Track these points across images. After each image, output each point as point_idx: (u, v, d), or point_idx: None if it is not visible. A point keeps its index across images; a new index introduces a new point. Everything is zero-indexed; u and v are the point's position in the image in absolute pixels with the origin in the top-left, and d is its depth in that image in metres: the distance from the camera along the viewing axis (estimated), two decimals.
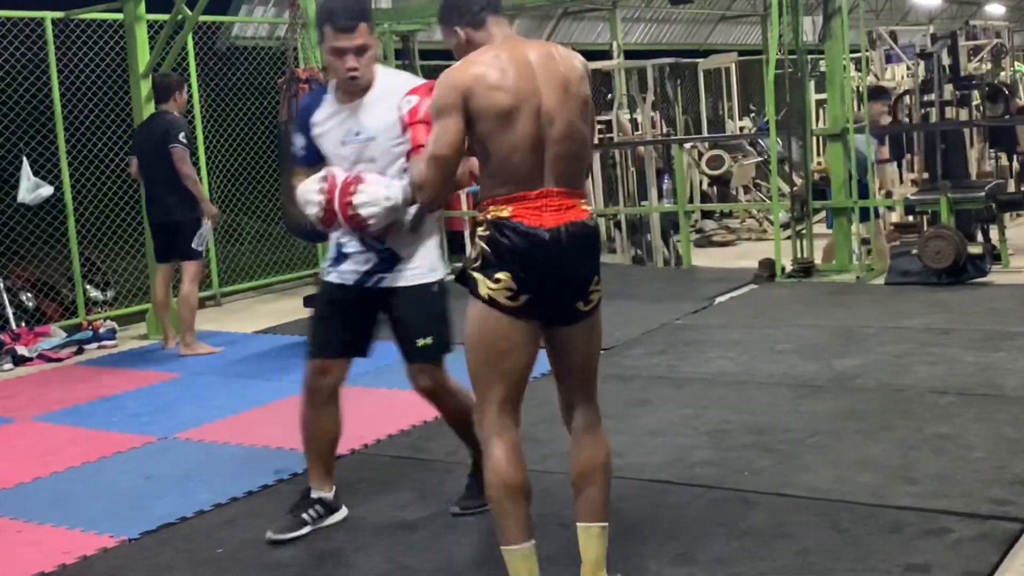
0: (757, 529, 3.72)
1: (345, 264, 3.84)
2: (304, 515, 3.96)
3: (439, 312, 3.85)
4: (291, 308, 8.81)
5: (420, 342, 3.81)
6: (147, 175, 7.44)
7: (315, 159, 3.85)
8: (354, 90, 3.74)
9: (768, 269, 8.64)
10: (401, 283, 3.81)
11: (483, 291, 3.08)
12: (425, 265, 3.82)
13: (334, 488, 4.04)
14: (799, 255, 8.77)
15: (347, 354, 3.91)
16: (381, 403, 5.70)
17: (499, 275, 3.05)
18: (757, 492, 4.05)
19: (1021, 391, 5.15)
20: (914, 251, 8.03)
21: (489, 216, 3.07)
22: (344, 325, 3.88)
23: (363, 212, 3.63)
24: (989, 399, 5.06)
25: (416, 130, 3.52)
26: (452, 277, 3.47)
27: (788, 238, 8.83)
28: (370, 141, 3.74)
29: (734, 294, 8.25)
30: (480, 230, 3.11)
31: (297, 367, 6.70)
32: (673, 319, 7.31)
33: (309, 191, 3.71)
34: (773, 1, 8.72)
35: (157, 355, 7.53)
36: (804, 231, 8.85)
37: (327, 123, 3.82)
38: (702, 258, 10.22)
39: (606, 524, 3.22)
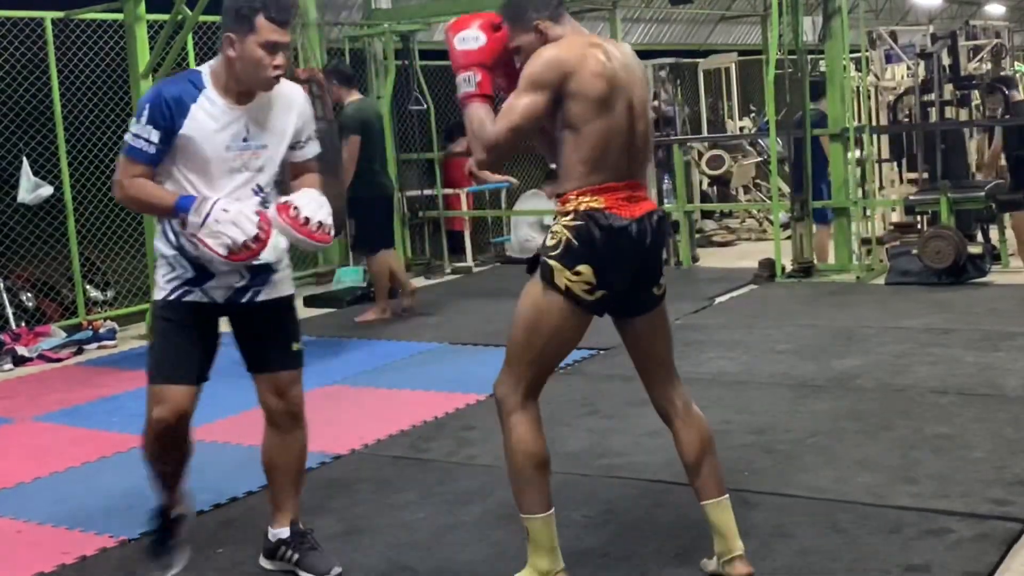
0: (757, 529, 3.72)
1: (212, 281, 3.43)
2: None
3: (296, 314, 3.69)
4: None
5: (295, 346, 3.60)
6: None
7: (161, 160, 3.34)
8: (260, 91, 3.38)
9: (768, 269, 8.65)
10: (277, 294, 3.53)
11: (560, 281, 3.07)
12: (288, 270, 3.60)
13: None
14: (799, 255, 8.77)
15: (201, 380, 3.57)
16: (381, 403, 5.71)
17: (580, 267, 3.06)
18: (757, 492, 4.06)
19: (1021, 391, 5.15)
20: (914, 251, 8.03)
21: (581, 207, 3.06)
22: (201, 348, 3.56)
23: (328, 222, 3.40)
24: (989, 399, 5.06)
25: (482, 74, 3.19)
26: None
27: (788, 238, 8.83)
28: (261, 149, 3.41)
29: (734, 294, 8.25)
30: (567, 219, 3.08)
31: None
32: (673, 319, 7.26)
33: (241, 216, 3.26)
34: (773, 1, 8.72)
35: None
36: (804, 231, 8.85)
37: (207, 123, 3.33)
38: (702, 258, 10.22)
39: (728, 494, 3.32)
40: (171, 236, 3.42)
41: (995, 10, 21.24)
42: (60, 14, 8.52)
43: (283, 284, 3.55)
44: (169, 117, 3.29)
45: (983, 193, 8.33)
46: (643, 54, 13.50)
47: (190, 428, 3.56)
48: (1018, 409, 4.88)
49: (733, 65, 13.96)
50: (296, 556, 3.62)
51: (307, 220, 3.34)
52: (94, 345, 7.89)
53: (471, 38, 3.15)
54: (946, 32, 10.72)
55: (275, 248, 3.39)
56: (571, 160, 3.09)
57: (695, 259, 10.06)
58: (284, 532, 3.65)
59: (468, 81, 3.15)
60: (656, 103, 10.81)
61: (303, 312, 8.39)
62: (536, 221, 10.76)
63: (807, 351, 6.18)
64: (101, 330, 8.05)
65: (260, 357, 3.60)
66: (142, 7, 8.07)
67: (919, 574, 3.31)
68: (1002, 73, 10.93)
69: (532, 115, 3.04)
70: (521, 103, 3.04)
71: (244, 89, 3.36)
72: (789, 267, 8.70)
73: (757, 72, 15.71)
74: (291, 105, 3.47)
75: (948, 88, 9.71)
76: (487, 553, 3.71)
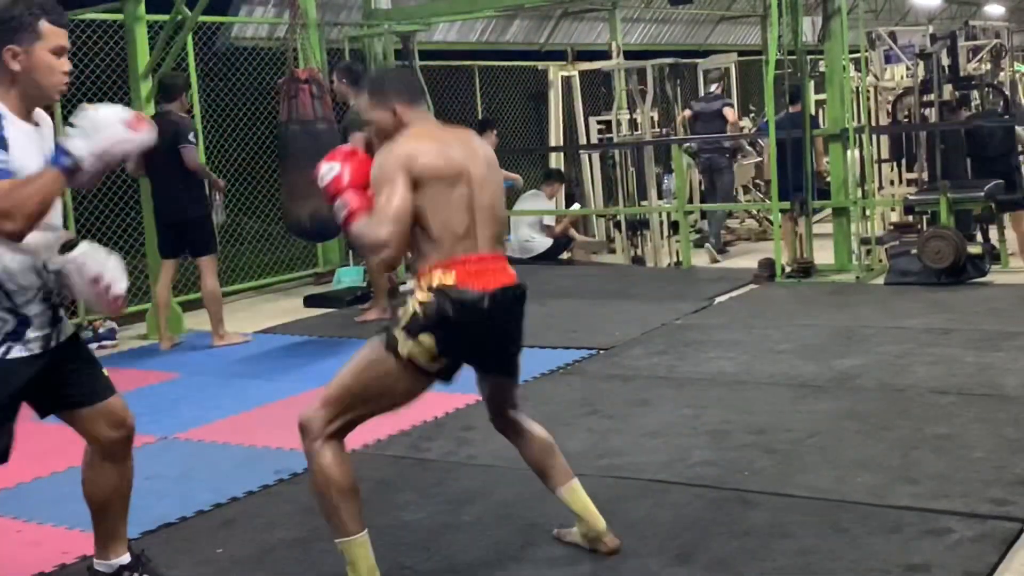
0: (757, 529, 3.72)
1: (30, 331, 3.16)
2: None
3: None
4: (291, 308, 8.82)
5: (105, 371, 3.45)
6: (157, 175, 7.51)
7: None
8: (50, 100, 3.18)
9: (768, 269, 8.65)
10: (68, 331, 3.33)
11: (403, 350, 3.22)
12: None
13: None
14: (799, 255, 8.77)
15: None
16: None
17: (423, 337, 3.19)
18: (757, 492, 4.05)
19: (1021, 391, 5.15)
20: (914, 251, 8.03)
21: (434, 283, 3.20)
22: (14, 415, 3.31)
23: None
24: (989, 399, 5.06)
25: (350, 195, 3.26)
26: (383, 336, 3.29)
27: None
28: None
29: (734, 294, 8.25)
30: (421, 295, 3.21)
31: (297, 366, 6.74)
32: (673, 319, 7.31)
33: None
34: (773, 1, 8.72)
35: (157, 355, 7.54)
36: (804, 231, 8.85)
37: (27, 148, 3.02)
38: (702, 258, 10.23)
39: (576, 478, 3.63)
40: None
41: (995, 10, 21.24)
42: None
43: (67, 320, 3.38)
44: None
45: (983, 193, 8.32)
46: (643, 54, 13.47)
47: None
48: (1018, 409, 4.87)
49: (733, 65, 13.95)
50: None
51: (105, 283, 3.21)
52: (94, 345, 7.88)
53: (327, 172, 3.30)
54: (946, 32, 10.73)
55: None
56: (422, 240, 3.24)
57: (722, 250, 10.19)
58: (125, 558, 3.53)
59: (340, 207, 3.27)
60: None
61: (303, 312, 8.39)
62: (536, 221, 10.76)
63: (807, 351, 6.18)
64: (101, 330, 8.05)
65: (88, 390, 3.42)
66: (142, 7, 8.08)
67: (919, 574, 3.31)
68: (1001, 75, 10.94)
69: (403, 200, 3.16)
70: (388, 196, 3.16)
71: (31, 107, 3.09)
72: (789, 267, 8.70)
73: (757, 72, 15.72)
74: (49, 124, 3.24)
75: (948, 88, 9.72)
76: (487, 553, 3.71)
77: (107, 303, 3.20)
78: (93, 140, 2.94)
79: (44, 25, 3.06)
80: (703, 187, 11.46)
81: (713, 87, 12.15)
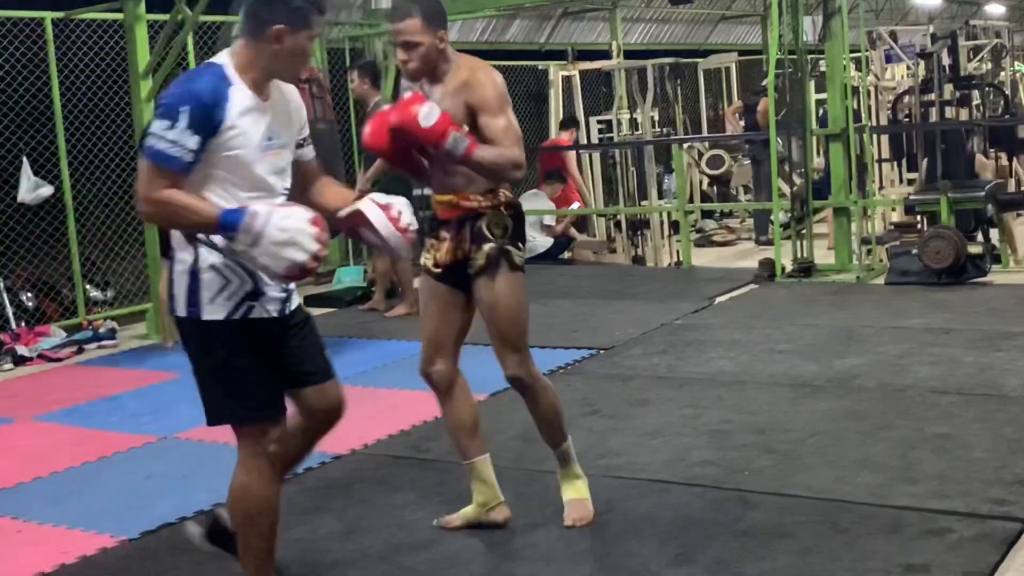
0: (757, 529, 3.72)
1: (269, 292, 3.11)
2: None
3: None
4: None
5: (327, 353, 3.34)
6: None
7: (194, 168, 2.97)
8: (288, 83, 3.20)
9: (768, 269, 8.65)
10: (297, 301, 3.26)
11: (519, 260, 3.69)
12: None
13: None
14: (799, 255, 8.77)
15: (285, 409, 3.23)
16: (381, 403, 5.70)
17: (519, 244, 3.69)
18: (757, 492, 4.05)
19: (1021, 391, 5.15)
20: (914, 251, 8.03)
21: (503, 199, 3.65)
22: (272, 371, 3.16)
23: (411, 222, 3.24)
24: (989, 399, 5.06)
25: (459, 129, 3.47)
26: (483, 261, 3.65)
27: (788, 238, 8.83)
28: (283, 148, 3.15)
29: (734, 294, 8.25)
30: (502, 210, 3.64)
31: None
32: (673, 319, 7.30)
33: (300, 233, 2.91)
34: (773, 1, 8.72)
35: (157, 355, 7.53)
36: (804, 231, 8.85)
37: (243, 121, 3.02)
38: (702, 258, 10.23)
39: (488, 453, 3.92)
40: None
41: (995, 10, 21.25)
42: (60, 14, 8.52)
43: (296, 294, 3.27)
44: (207, 117, 2.94)
45: (983, 193, 8.32)
46: (643, 54, 13.47)
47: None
48: (1018, 409, 4.87)
49: (733, 65, 13.96)
50: None
51: (405, 222, 3.19)
52: (94, 345, 7.90)
53: (430, 111, 3.45)
54: (946, 32, 10.73)
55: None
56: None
57: (764, 238, 10.33)
58: None
59: (459, 139, 3.47)
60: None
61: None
62: (536, 221, 10.76)
63: (807, 351, 6.17)
64: (101, 330, 8.05)
65: (299, 369, 3.24)
66: (142, 7, 8.07)
67: (919, 574, 3.31)
68: (1001, 75, 10.95)
69: (517, 126, 3.61)
70: (512, 121, 3.59)
71: (267, 81, 3.09)
72: (789, 267, 8.70)
73: (757, 72, 15.71)
74: (295, 101, 3.25)
75: (948, 88, 9.72)
76: (487, 553, 3.71)
77: (401, 231, 3.17)
78: (260, 248, 2.90)
79: (314, 15, 3.08)
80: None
81: (764, 82, 12.26)
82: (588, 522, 3.82)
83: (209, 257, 3.05)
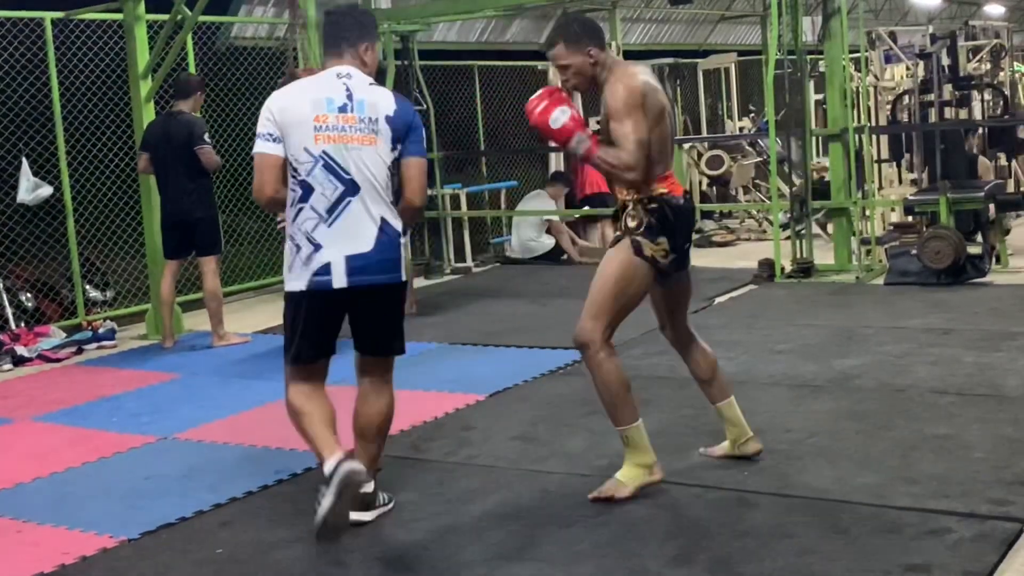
0: (757, 529, 3.72)
1: (334, 270, 3.92)
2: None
3: None
4: None
5: (384, 331, 4.06)
6: (165, 174, 7.49)
7: None
8: None
9: (768, 269, 8.65)
10: (384, 278, 3.99)
11: (647, 252, 3.97)
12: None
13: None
14: (799, 255, 8.77)
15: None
16: None
17: (660, 239, 3.97)
18: (757, 492, 4.05)
19: (1021, 391, 5.15)
20: (914, 251, 8.03)
21: (655, 193, 3.98)
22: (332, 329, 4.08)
23: None
24: (989, 399, 5.06)
25: (585, 131, 3.96)
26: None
27: (788, 238, 8.83)
28: None
29: (734, 294, 8.25)
30: (646, 204, 3.97)
31: None
32: None
33: None
34: (773, 1, 8.72)
35: (157, 355, 7.53)
36: (804, 231, 8.85)
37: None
38: (702, 258, 10.22)
39: (733, 396, 4.39)
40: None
41: (995, 10, 21.26)
42: (60, 14, 8.52)
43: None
44: None
45: (983, 193, 8.32)
46: (643, 54, 13.46)
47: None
48: (1018, 409, 4.87)
49: (733, 65, 13.96)
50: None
51: None
52: (94, 345, 7.89)
53: (560, 115, 3.93)
54: (945, 32, 10.73)
55: None
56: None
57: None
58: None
59: (582, 140, 3.94)
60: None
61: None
62: (539, 222, 10.76)
63: (807, 351, 6.17)
64: (101, 330, 8.05)
65: (371, 340, 4.06)
66: (142, 7, 8.07)
67: (919, 574, 3.31)
68: (1000, 75, 10.94)
69: (645, 129, 3.90)
70: (636, 124, 3.88)
71: None
72: (789, 267, 8.70)
73: (757, 72, 15.72)
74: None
75: (948, 88, 9.71)
76: (487, 553, 3.71)
77: None
78: None
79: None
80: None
81: None
82: (603, 495, 4.04)
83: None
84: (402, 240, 3.95)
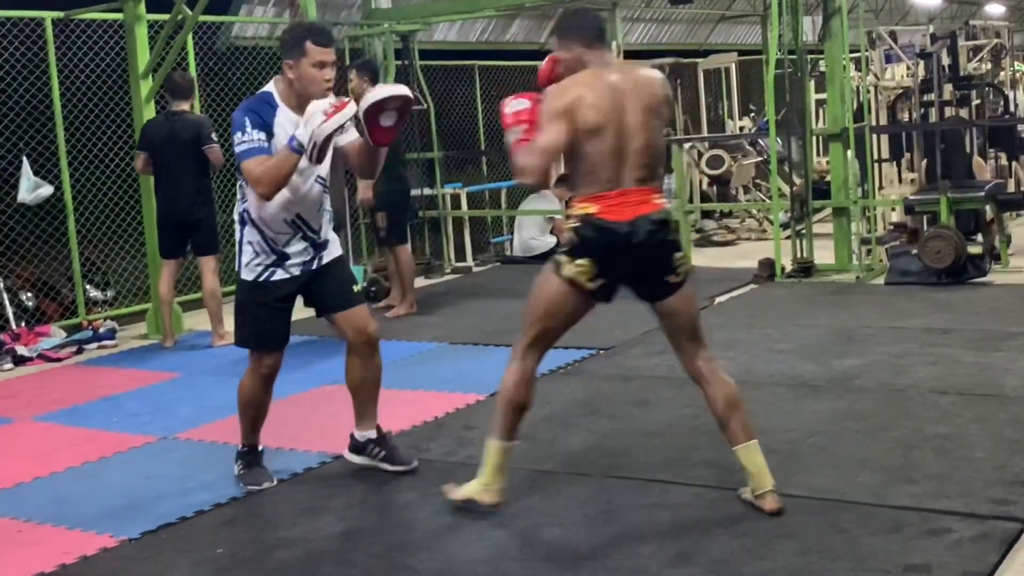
0: (757, 529, 3.72)
1: (288, 262, 4.31)
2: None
3: None
4: None
5: (356, 288, 4.45)
6: (167, 173, 7.48)
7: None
8: (316, 100, 4.10)
9: (768, 269, 8.64)
10: (329, 258, 4.39)
11: (567, 271, 3.76)
12: (333, 238, 4.46)
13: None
14: (799, 255, 8.77)
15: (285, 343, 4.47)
16: (381, 403, 5.69)
17: (581, 260, 3.74)
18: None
19: (1021, 391, 5.15)
20: (914, 251, 8.03)
21: (578, 211, 3.76)
22: (288, 313, 4.42)
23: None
24: (989, 399, 5.06)
25: (526, 128, 3.83)
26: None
27: (788, 238, 8.83)
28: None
29: (734, 294, 8.25)
30: (571, 222, 3.79)
31: (295, 367, 6.74)
32: None
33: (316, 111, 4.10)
34: (773, 1, 8.72)
35: (157, 355, 7.54)
36: (804, 231, 8.85)
37: (285, 125, 4.17)
38: (702, 258, 10.22)
39: (756, 439, 3.88)
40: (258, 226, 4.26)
41: (995, 10, 21.26)
42: (60, 14, 8.52)
43: (334, 249, 4.42)
44: (263, 124, 4.13)
45: (983, 193, 8.32)
46: (643, 54, 13.44)
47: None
48: (1018, 409, 4.87)
49: (733, 65, 13.95)
50: (383, 453, 4.51)
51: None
52: (94, 345, 7.89)
53: (516, 104, 3.85)
54: (946, 32, 10.72)
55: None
56: (574, 175, 3.78)
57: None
58: (372, 434, 4.53)
59: (517, 132, 3.81)
60: None
61: (304, 312, 8.38)
62: (542, 221, 10.76)
63: (807, 351, 6.18)
64: (101, 330, 8.05)
65: (330, 301, 4.38)
66: (142, 7, 8.07)
67: (919, 574, 3.31)
68: (1001, 75, 10.93)
69: (554, 139, 3.69)
70: (544, 136, 3.70)
71: (303, 103, 4.08)
72: (789, 267, 8.70)
73: (757, 72, 15.71)
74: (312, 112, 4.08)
75: (948, 88, 9.71)
76: (487, 553, 3.71)
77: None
78: (306, 128, 3.97)
79: (308, 45, 4.11)
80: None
81: None
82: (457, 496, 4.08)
83: (248, 235, 4.30)
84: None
